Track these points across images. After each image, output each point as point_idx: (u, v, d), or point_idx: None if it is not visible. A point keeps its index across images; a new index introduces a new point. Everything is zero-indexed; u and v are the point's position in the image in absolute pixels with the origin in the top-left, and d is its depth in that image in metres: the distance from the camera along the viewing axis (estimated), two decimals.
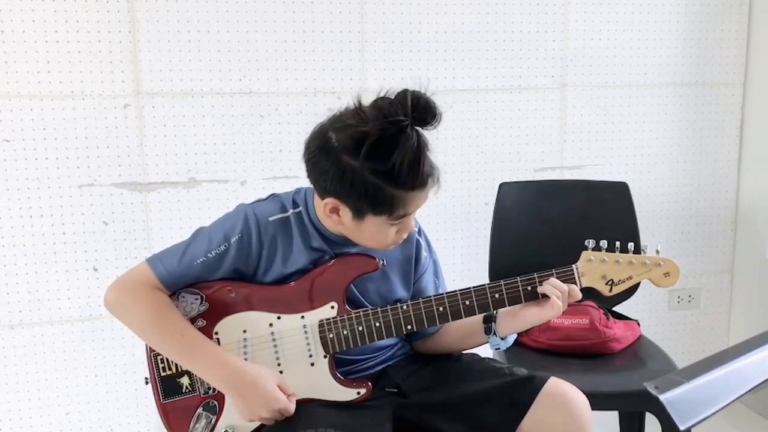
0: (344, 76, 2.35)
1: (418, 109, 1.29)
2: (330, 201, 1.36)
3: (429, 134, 1.35)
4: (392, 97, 1.30)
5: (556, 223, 2.20)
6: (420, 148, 1.29)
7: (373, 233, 1.39)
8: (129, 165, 2.25)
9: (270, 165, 2.34)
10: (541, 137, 2.54)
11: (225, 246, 1.42)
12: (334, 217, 1.38)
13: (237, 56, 2.27)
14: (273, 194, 1.51)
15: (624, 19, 2.54)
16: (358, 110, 1.30)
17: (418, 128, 1.29)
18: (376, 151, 1.27)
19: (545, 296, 1.44)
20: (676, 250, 2.69)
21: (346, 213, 1.36)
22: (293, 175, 2.31)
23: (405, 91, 1.30)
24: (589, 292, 1.50)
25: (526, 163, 2.54)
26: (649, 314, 2.66)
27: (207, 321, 1.45)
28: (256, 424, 1.43)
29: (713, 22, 2.61)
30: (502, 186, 2.23)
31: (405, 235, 1.44)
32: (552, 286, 1.43)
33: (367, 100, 1.34)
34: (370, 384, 1.48)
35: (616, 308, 2.16)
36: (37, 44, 2.14)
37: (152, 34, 2.21)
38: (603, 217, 2.21)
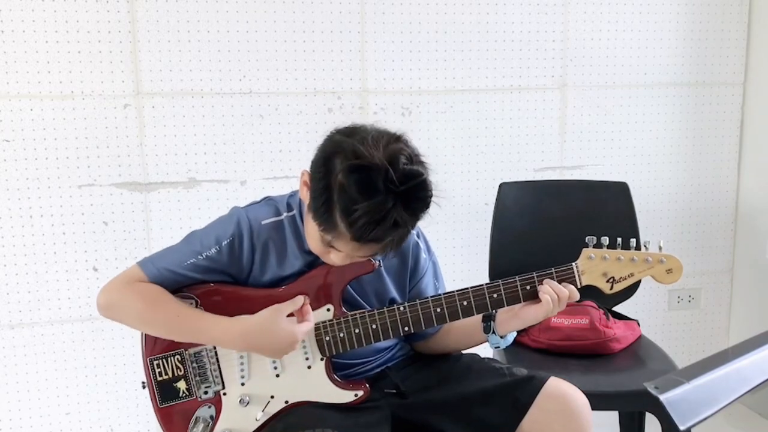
0: (344, 76, 2.35)
1: (410, 199, 1.26)
2: (306, 172, 1.36)
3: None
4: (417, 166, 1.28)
5: (556, 223, 2.20)
6: (387, 218, 1.24)
7: (309, 231, 1.39)
8: (129, 165, 2.25)
9: (270, 165, 2.34)
10: (541, 137, 2.54)
11: (216, 249, 1.42)
12: (304, 189, 1.37)
13: (237, 56, 2.27)
14: (267, 197, 1.51)
15: (624, 19, 2.54)
16: (373, 143, 1.27)
17: (402, 207, 1.26)
18: (355, 180, 1.24)
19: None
20: (676, 250, 2.65)
21: (306, 195, 1.35)
22: (293, 175, 2.31)
23: (424, 176, 1.28)
24: (590, 290, 1.49)
25: (526, 163, 2.54)
26: (649, 314, 2.66)
27: None
28: (256, 425, 1.43)
29: (713, 22, 2.61)
30: (502, 186, 2.23)
31: (332, 264, 1.40)
32: (549, 287, 1.42)
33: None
34: (367, 386, 1.48)
35: (616, 308, 2.16)
36: (37, 44, 2.14)
37: (152, 34, 2.21)
38: (603, 217, 2.21)
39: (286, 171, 2.34)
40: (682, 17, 2.58)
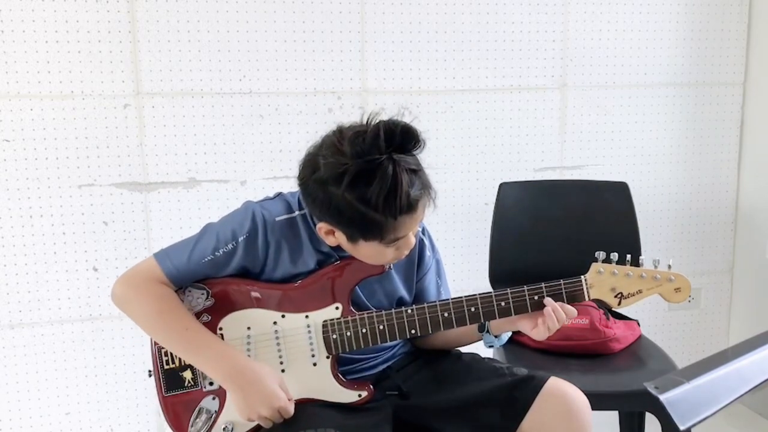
0: (344, 76, 2.35)
1: (394, 142, 1.29)
2: (323, 225, 1.38)
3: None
4: (368, 130, 1.29)
5: (556, 223, 2.20)
6: (397, 179, 1.27)
7: (370, 254, 1.40)
8: (129, 165, 2.25)
9: (270, 165, 2.34)
10: (541, 137, 2.54)
11: (233, 245, 1.42)
12: (331, 238, 1.40)
13: (237, 56, 2.27)
14: (280, 193, 1.52)
15: (624, 19, 2.54)
16: (338, 146, 1.30)
17: (396, 158, 1.28)
18: (356, 184, 1.28)
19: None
20: (676, 250, 2.69)
21: (340, 236, 1.38)
22: (293, 175, 2.30)
23: (378, 126, 1.29)
24: (596, 302, 1.50)
25: (526, 163, 2.54)
26: (649, 314, 2.65)
27: (212, 316, 1.45)
28: (255, 422, 1.43)
29: (713, 22, 2.61)
30: (502, 186, 2.23)
31: (406, 252, 1.43)
32: (553, 311, 1.42)
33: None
34: (371, 386, 1.48)
35: (617, 309, 2.16)
36: (37, 44, 2.14)
37: (152, 34, 2.21)
38: (603, 217, 2.21)
39: (286, 171, 2.34)
40: (682, 17, 2.58)
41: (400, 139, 1.29)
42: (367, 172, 1.27)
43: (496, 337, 1.53)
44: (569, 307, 1.45)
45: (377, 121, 1.31)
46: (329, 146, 1.32)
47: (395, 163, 1.28)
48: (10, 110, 2.15)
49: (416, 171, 1.32)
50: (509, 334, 1.56)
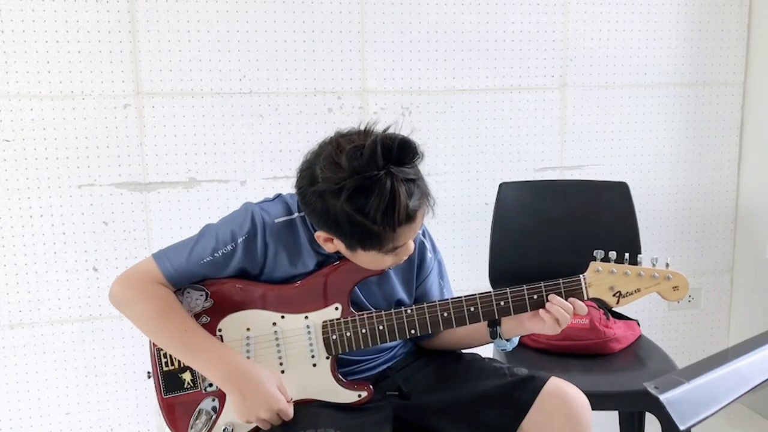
0: (344, 76, 2.35)
1: (391, 156, 1.28)
2: (322, 234, 1.38)
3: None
4: (366, 144, 1.28)
5: (556, 223, 2.20)
6: (395, 193, 1.27)
7: (368, 261, 1.40)
8: (129, 165, 2.25)
9: (270, 165, 2.34)
10: (541, 137, 2.54)
11: (232, 246, 1.42)
12: (329, 245, 1.39)
13: (237, 56, 2.27)
14: (279, 195, 1.52)
15: (624, 19, 2.54)
16: (335, 159, 1.29)
17: (394, 171, 1.28)
18: (355, 198, 1.27)
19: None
20: (676, 250, 2.69)
21: (339, 244, 1.38)
22: (293, 175, 2.30)
23: (375, 141, 1.28)
24: (595, 301, 1.50)
25: (526, 163, 2.54)
26: (649, 314, 2.66)
27: (211, 317, 1.45)
28: (255, 424, 1.43)
29: (713, 22, 2.61)
30: (502, 186, 2.23)
31: (405, 257, 1.42)
32: (560, 307, 1.43)
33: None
34: (371, 387, 1.48)
35: (616, 308, 2.17)
36: (37, 44, 2.14)
37: (152, 34, 2.21)
38: (603, 217, 2.21)
39: (286, 171, 2.34)
40: (682, 17, 2.58)
41: (397, 153, 1.29)
42: (365, 188, 1.26)
43: (507, 341, 1.53)
44: (577, 300, 1.44)
45: (375, 132, 1.31)
46: (327, 158, 1.31)
47: (393, 176, 1.27)
48: (10, 110, 2.15)
49: (414, 180, 1.31)
50: (519, 336, 1.56)
